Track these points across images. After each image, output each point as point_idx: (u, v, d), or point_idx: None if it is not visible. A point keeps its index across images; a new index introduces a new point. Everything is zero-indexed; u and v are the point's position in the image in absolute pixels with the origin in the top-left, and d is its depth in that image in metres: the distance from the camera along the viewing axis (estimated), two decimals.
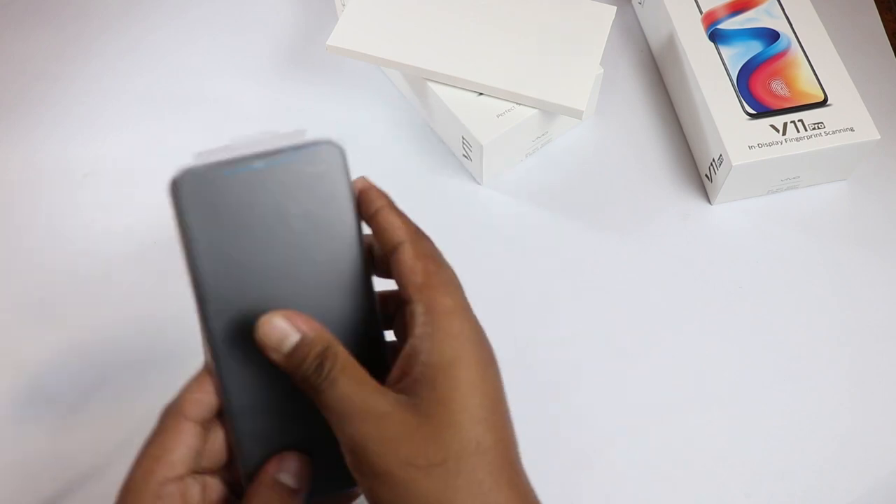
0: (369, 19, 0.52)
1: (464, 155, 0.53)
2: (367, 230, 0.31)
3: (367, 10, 0.53)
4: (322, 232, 0.29)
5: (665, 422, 0.45)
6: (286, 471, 0.29)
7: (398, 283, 0.29)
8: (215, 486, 0.30)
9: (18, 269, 0.52)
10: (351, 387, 0.27)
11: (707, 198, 0.53)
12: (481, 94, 0.51)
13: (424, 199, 0.53)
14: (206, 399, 0.29)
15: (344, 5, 0.56)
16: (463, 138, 0.51)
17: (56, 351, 0.49)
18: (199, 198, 0.27)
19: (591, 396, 0.46)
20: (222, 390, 0.29)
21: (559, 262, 0.51)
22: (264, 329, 0.27)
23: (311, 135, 0.29)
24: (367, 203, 0.30)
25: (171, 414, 0.29)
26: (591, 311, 0.49)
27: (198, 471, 0.29)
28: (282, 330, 0.27)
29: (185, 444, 0.28)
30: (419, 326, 0.27)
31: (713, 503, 0.43)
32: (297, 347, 0.27)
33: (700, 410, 0.46)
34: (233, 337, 0.28)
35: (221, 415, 0.30)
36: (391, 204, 0.30)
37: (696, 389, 0.46)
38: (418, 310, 0.28)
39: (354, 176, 0.30)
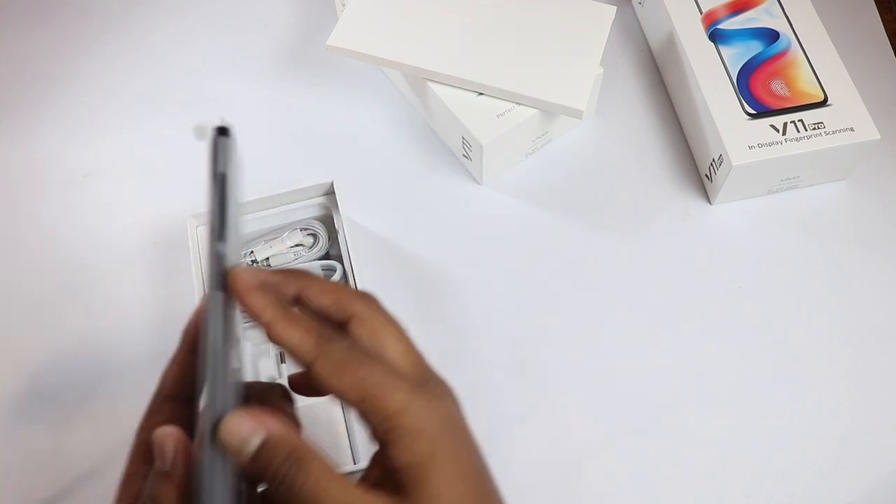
0: (369, 19, 0.52)
1: (464, 155, 0.53)
2: None
3: (367, 10, 0.53)
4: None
5: (665, 422, 0.45)
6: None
7: (341, 399, 0.26)
8: None
9: (18, 268, 0.52)
10: (322, 491, 0.25)
11: (707, 198, 0.53)
12: (481, 94, 0.51)
13: (424, 199, 0.54)
14: (178, 374, 0.29)
15: (344, 5, 0.56)
16: (463, 138, 0.51)
17: (56, 351, 0.49)
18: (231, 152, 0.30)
19: (591, 396, 0.46)
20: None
21: (559, 262, 0.51)
22: (228, 427, 0.25)
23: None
24: (254, 311, 0.26)
25: (153, 397, 0.29)
26: (591, 310, 0.49)
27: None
28: (247, 429, 0.25)
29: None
30: (384, 434, 0.26)
31: (713, 503, 0.43)
32: (262, 449, 0.25)
33: (700, 410, 0.46)
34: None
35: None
36: (276, 303, 0.26)
37: (696, 389, 0.46)
38: (374, 420, 0.26)
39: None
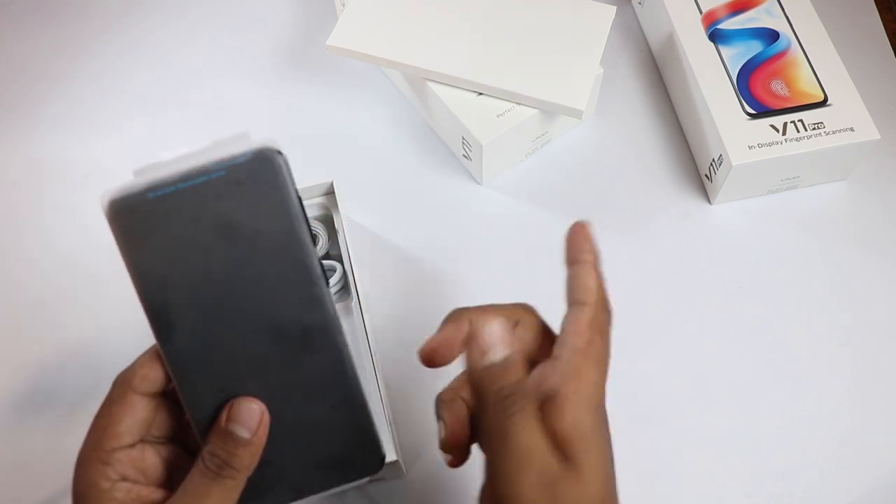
0: (369, 19, 0.52)
1: (464, 155, 0.53)
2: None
3: (367, 10, 0.53)
4: (266, 247, 0.27)
5: (665, 421, 0.45)
6: (235, 420, 0.28)
7: (560, 332, 0.31)
8: (173, 451, 0.31)
9: (19, 268, 0.52)
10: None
11: (707, 198, 0.53)
12: (481, 94, 0.51)
13: (424, 199, 0.54)
14: (154, 375, 0.29)
15: (344, 5, 0.56)
16: (463, 138, 0.51)
17: (56, 351, 0.49)
18: (130, 222, 0.26)
19: None
20: (167, 360, 0.28)
21: (559, 262, 0.51)
22: (488, 329, 0.29)
23: (257, 137, 0.27)
24: (573, 248, 0.32)
25: (120, 386, 0.29)
26: None
27: (151, 440, 0.30)
28: (500, 338, 0.29)
29: (132, 415, 0.29)
30: (566, 384, 0.29)
31: (713, 503, 0.43)
32: (501, 364, 0.28)
33: (700, 410, 0.46)
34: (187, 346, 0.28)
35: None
36: (595, 261, 0.32)
37: (696, 389, 0.46)
38: (566, 368, 0.29)
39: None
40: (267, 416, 0.29)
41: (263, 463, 0.28)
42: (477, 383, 0.28)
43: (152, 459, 0.30)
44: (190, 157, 0.26)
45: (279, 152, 0.27)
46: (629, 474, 0.44)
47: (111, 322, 0.50)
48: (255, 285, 0.27)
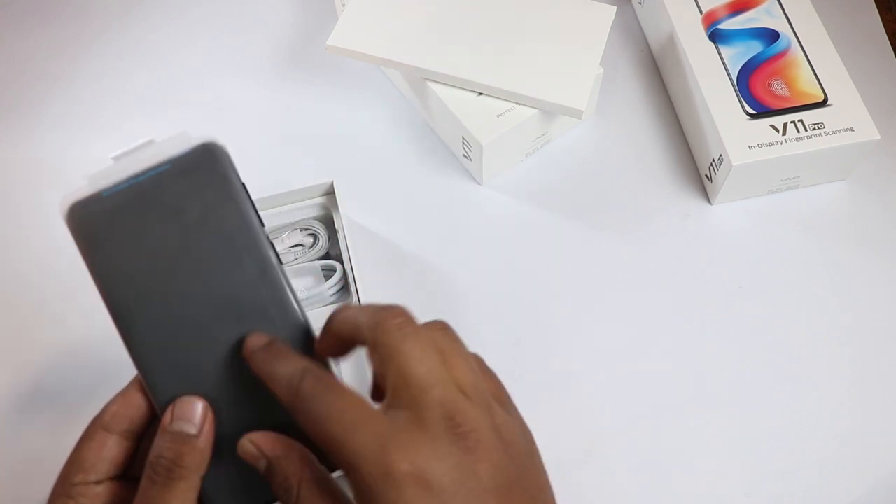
0: (369, 19, 0.52)
1: (464, 155, 0.53)
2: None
3: (367, 10, 0.53)
4: (219, 237, 0.28)
5: (665, 422, 0.45)
6: (179, 418, 0.28)
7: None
8: None
9: (19, 269, 0.52)
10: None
11: (707, 198, 0.53)
12: (481, 94, 0.51)
13: (424, 199, 0.54)
14: (128, 413, 0.30)
15: (344, 5, 0.56)
16: (463, 138, 0.51)
17: (56, 351, 0.49)
18: (88, 223, 0.28)
19: (591, 396, 0.46)
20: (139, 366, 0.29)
21: (559, 262, 0.51)
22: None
23: (197, 135, 0.28)
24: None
25: (93, 424, 0.30)
26: (591, 310, 0.49)
27: (123, 476, 0.30)
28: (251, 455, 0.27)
29: (98, 453, 0.29)
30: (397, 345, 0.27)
31: (713, 503, 0.43)
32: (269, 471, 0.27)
33: (700, 410, 0.46)
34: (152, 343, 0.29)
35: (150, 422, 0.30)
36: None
37: (696, 389, 0.46)
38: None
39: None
40: (211, 413, 0.28)
41: (235, 457, 0.28)
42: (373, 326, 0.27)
43: (124, 496, 0.29)
44: (132, 155, 0.28)
45: (218, 144, 0.28)
46: (629, 474, 0.44)
47: (111, 322, 0.50)
48: (209, 270, 0.28)
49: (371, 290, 0.49)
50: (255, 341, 0.28)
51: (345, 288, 0.46)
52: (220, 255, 0.28)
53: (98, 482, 0.29)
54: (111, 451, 0.30)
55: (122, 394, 0.30)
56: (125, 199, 0.27)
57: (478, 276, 0.50)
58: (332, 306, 0.47)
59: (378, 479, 0.24)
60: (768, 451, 0.45)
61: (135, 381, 0.31)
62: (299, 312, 0.29)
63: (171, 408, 0.29)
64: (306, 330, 0.29)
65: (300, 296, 0.45)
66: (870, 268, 0.50)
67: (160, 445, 0.28)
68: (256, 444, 0.27)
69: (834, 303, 0.49)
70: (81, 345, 0.49)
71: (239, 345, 0.28)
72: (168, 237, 0.28)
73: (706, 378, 0.47)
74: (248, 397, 0.29)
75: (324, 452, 0.26)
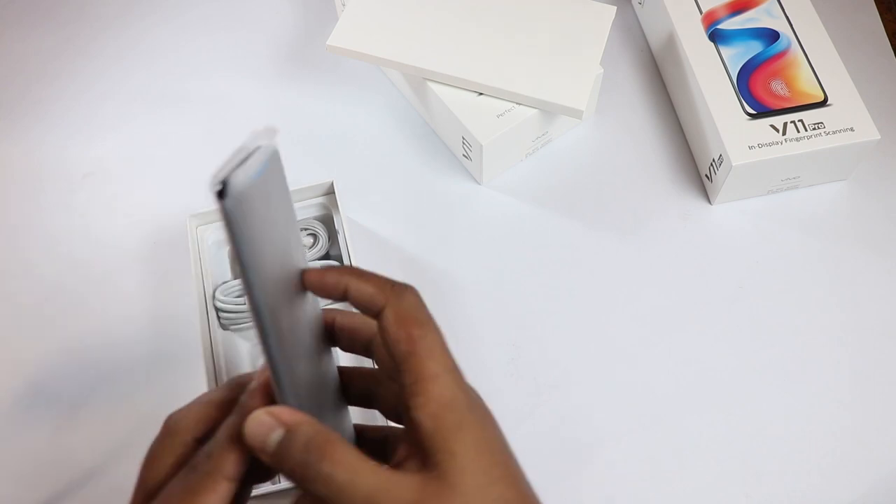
0: (369, 19, 0.52)
1: (464, 155, 0.53)
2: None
3: (367, 10, 0.53)
4: (286, 218, 0.30)
5: (665, 422, 0.45)
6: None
7: (389, 352, 0.28)
8: None
9: (19, 269, 0.52)
10: (345, 475, 0.25)
11: (707, 198, 0.53)
12: (481, 94, 0.51)
13: (424, 199, 0.53)
14: (245, 457, 0.28)
15: (344, 5, 0.55)
16: (463, 138, 0.51)
17: (56, 351, 0.49)
18: (242, 207, 0.28)
19: (591, 396, 0.46)
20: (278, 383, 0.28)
21: (559, 262, 0.51)
22: (250, 427, 0.26)
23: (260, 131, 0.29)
24: (332, 286, 0.29)
25: (209, 474, 0.27)
26: (591, 310, 0.49)
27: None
28: (267, 425, 0.26)
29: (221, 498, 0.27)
30: (411, 398, 0.26)
31: (713, 503, 0.43)
32: (281, 443, 0.26)
33: (700, 410, 0.46)
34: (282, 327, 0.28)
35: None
36: (355, 271, 0.29)
37: (697, 389, 0.46)
38: (408, 380, 0.26)
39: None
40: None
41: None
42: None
43: None
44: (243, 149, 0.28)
45: (276, 151, 0.29)
46: (630, 474, 0.44)
47: (111, 322, 0.50)
48: (290, 256, 0.29)
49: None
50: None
51: None
52: (292, 244, 0.30)
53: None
54: (226, 500, 0.28)
55: (227, 439, 0.28)
56: (260, 188, 0.28)
57: (477, 276, 0.50)
58: (332, 306, 0.47)
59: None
60: (768, 451, 0.45)
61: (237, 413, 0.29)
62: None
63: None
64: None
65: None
66: (870, 268, 0.50)
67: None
68: (273, 413, 0.26)
69: (834, 303, 0.49)
70: (81, 345, 0.49)
71: (300, 319, 0.29)
72: (275, 222, 0.29)
73: (706, 378, 0.47)
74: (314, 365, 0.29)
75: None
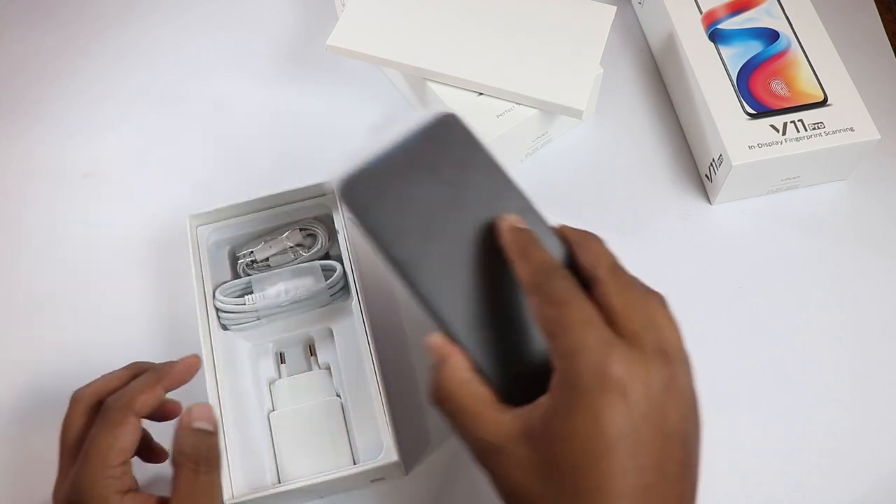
0: (369, 19, 0.52)
1: None
2: None
3: (367, 10, 0.53)
4: (480, 184, 0.32)
5: None
6: (199, 418, 0.35)
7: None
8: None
9: (19, 269, 0.52)
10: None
11: (707, 198, 0.53)
12: (481, 94, 0.51)
13: None
14: (152, 402, 0.36)
15: (344, 5, 0.55)
16: None
17: (56, 351, 0.49)
18: (358, 192, 0.31)
19: None
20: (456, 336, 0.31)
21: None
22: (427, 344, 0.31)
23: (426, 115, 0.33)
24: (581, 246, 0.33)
25: (122, 410, 0.35)
26: None
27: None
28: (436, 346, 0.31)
29: (133, 434, 0.34)
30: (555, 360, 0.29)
31: (713, 503, 0.43)
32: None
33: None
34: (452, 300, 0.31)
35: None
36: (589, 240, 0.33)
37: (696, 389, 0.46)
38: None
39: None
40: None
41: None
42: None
43: (132, 475, 0.35)
44: (382, 135, 0.33)
45: (452, 113, 0.32)
46: None
47: (111, 322, 0.50)
48: (475, 212, 0.32)
49: (371, 290, 0.49)
50: (512, 220, 0.31)
51: (345, 287, 0.46)
52: (483, 198, 0.32)
53: (126, 461, 0.34)
54: (137, 432, 0.35)
55: (149, 385, 0.36)
56: (389, 166, 0.32)
57: None
58: (332, 306, 0.47)
59: (592, 373, 0.27)
60: (768, 451, 0.45)
61: (151, 372, 0.36)
62: (560, 246, 0.33)
63: (188, 410, 0.35)
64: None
65: (300, 295, 0.46)
66: (870, 268, 0.50)
67: (191, 443, 0.34)
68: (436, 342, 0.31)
69: (834, 303, 0.49)
70: (81, 345, 0.49)
71: (495, 267, 0.31)
72: (436, 190, 0.31)
73: (706, 378, 0.47)
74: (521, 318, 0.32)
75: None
